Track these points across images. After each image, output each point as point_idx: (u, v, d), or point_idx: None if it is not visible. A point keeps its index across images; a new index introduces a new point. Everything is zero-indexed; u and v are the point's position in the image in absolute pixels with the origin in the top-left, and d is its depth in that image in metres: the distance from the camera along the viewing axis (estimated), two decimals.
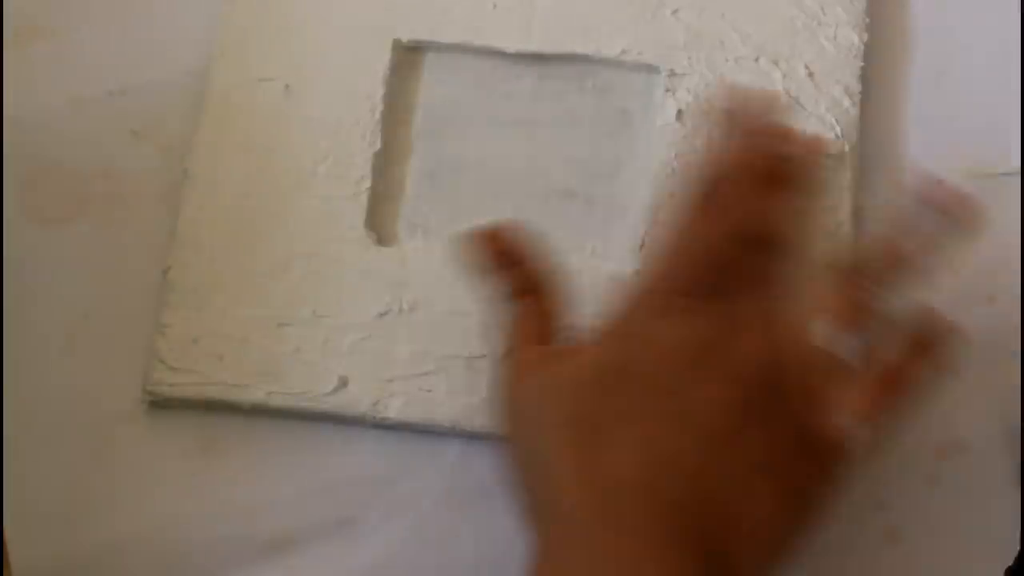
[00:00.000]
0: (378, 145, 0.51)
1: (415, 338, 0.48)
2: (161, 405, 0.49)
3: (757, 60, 0.51)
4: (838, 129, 0.50)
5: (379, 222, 0.51)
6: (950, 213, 0.43)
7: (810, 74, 0.51)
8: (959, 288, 0.50)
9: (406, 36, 0.52)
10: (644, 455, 0.40)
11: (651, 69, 0.51)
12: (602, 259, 0.50)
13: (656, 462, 0.40)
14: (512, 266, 0.44)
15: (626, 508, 0.39)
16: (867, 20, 0.52)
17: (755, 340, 0.41)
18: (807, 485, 0.41)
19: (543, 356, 0.43)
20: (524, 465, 0.43)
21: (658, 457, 0.40)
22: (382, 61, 0.51)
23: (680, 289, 0.42)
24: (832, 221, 0.50)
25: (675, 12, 0.52)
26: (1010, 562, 0.47)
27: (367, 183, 0.50)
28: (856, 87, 0.51)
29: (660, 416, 0.40)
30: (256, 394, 0.48)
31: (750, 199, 0.42)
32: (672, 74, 0.51)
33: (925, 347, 0.42)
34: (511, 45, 0.52)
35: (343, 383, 0.48)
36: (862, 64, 0.51)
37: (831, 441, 0.41)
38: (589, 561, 0.39)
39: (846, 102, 0.51)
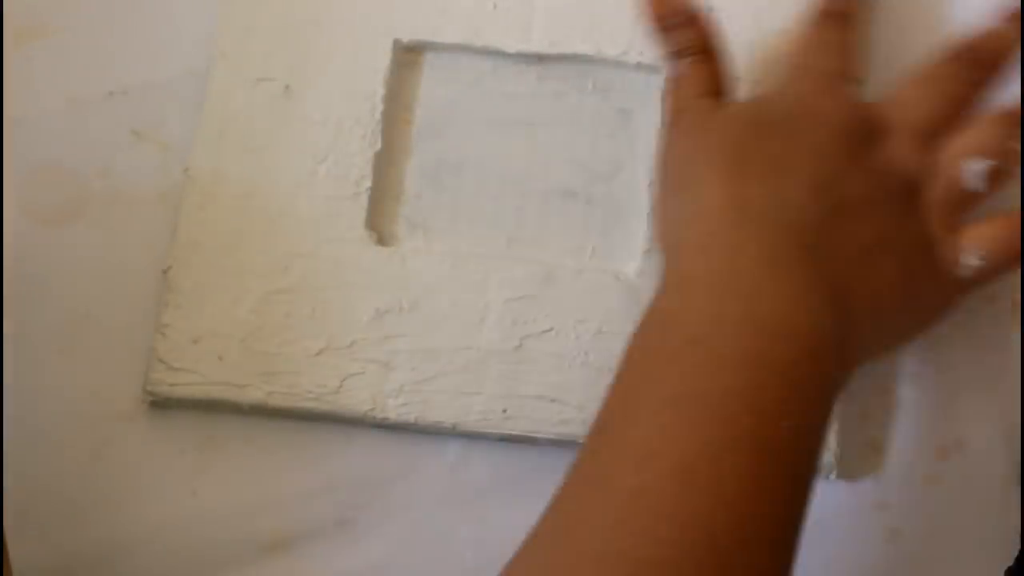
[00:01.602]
0: (378, 145, 0.51)
1: (415, 338, 0.48)
2: (161, 405, 0.49)
3: (758, 60, 0.51)
4: None
5: (379, 222, 0.51)
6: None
7: None
8: None
9: (406, 36, 0.52)
10: (783, 199, 0.43)
11: (652, 69, 0.51)
12: (602, 259, 0.50)
13: (792, 207, 0.43)
14: (680, 26, 0.47)
15: (763, 232, 0.42)
16: (873, 20, 0.52)
17: (910, 148, 0.45)
18: (924, 284, 0.44)
19: (712, 105, 0.46)
20: (676, 184, 0.46)
21: (795, 204, 0.43)
22: (382, 61, 0.51)
23: (833, 71, 0.47)
24: None
25: None
26: (1010, 562, 0.47)
27: (367, 183, 0.50)
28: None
29: (805, 175, 0.43)
30: (256, 394, 0.48)
31: None
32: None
33: None
34: (511, 45, 0.52)
35: (343, 383, 0.48)
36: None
37: (950, 261, 0.45)
38: (723, 257, 0.42)
39: None
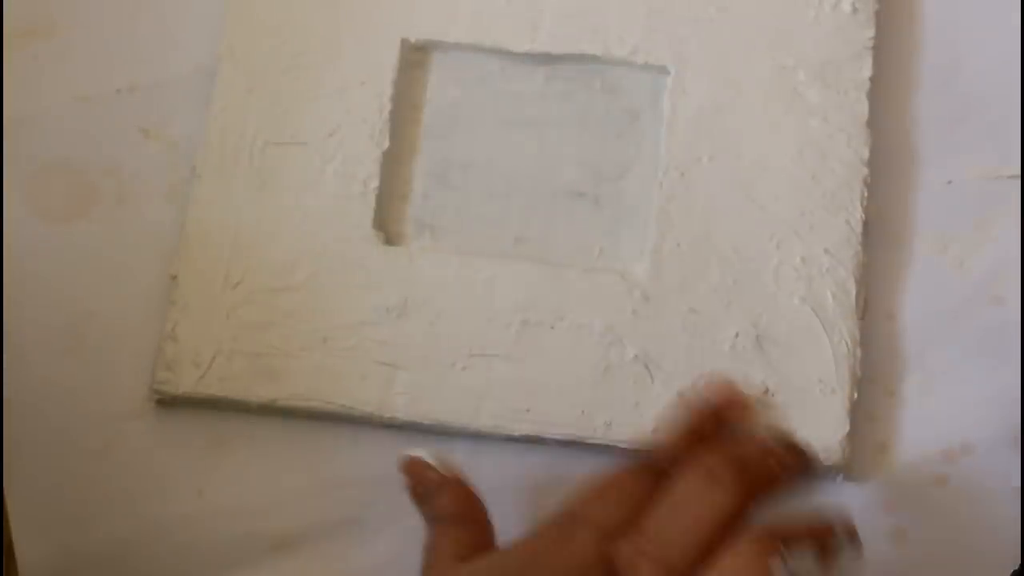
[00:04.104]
0: (386, 144, 0.51)
1: (423, 337, 0.48)
2: (168, 404, 0.49)
3: (766, 61, 0.51)
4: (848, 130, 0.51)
5: (387, 221, 0.51)
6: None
7: (819, 75, 0.51)
8: (967, 289, 0.50)
9: (414, 36, 0.52)
10: None
11: (660, 69, 0.51)
12: (610, 259, 0.50)
13: None
14: (433, 494, 0.45)
15: None
16: (877, 20, 0.52)
17: None
18: None
19: (455, 566, 0.43)
20: None
21: None
22: (390, 60, 0.51)
23: (590, 521, 0.42)
24: (842, 225, 0.50)
25: (684, 12, 0.52)
26: (1016, 565, 0.47)
27: (375, 182, 0.50)
28: (866, 87, 0.51)
29: None
30: (263, 393, 0.48)
31: None
32: (681, 74, 0.51)
33: None
34: (519, 45, 0.52)
35: (350, 382, 0.48)
36: (871, 64, 0.51)
37: None
38: None
39: (855, 103, 0.51)
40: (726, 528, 0.42)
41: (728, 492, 0.42)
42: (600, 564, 0.42)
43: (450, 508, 0.45)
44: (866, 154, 0.50)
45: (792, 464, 0.44)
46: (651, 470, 0.44)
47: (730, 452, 0.43)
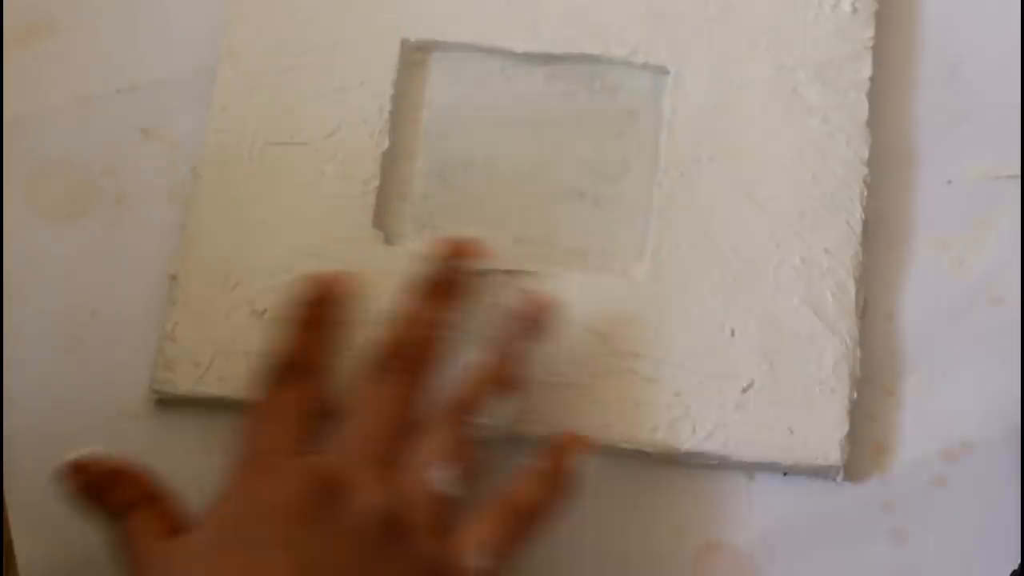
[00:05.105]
0: (386, 144, 0.51)
1: None
2: (168, 403, 0.49)
3: (766, 61, 0.51)
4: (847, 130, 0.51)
5: (387, 221, 0.51)
6: (528, 319, 0.46)
7: (819, 75, 0.51)
8: (967, 289, 0.50)
9: (414, 35, 0.52)
10: None
11: (659, 70, 0.51)
12: (609, 259, 0.50)
13: None
14: (110, 487, 0.43)
15: None
16: (877, 20, 0.52)
17: (371, 490, 0.42)
18: None
19: (168, 544, 0.43)
20: None
21: None
22: (390, 60, 0.51)
23: (278, 448, 0.44)
24: (842, 224, 0.50)
25: (684, 12, 0.52)
26: (1016, 565, 0.47)
27: (375, 182, 0.50)
28: (865, 87, 0.51)
29: (282, 571, 0.41)
30: None
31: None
32: (681, 74, 0.51)
33: (547, 473, 0.44)
34: (519, 45, 0.52)
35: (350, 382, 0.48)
36: (871, 64, 0.51)
37: (462, 571, 0.42)
38: None
39: (855, 103, 0.51)
40: (415, 408, 0.44)
41: (394, 381, 0.44)
42: (312, 481, 0.42)
43: (134, 493, 0.43)
44: (866, 154, 0.50)
45: (441, 320, 0.46)
46: (290, 374, 0.45)
47: (386, 340, 0.45)
